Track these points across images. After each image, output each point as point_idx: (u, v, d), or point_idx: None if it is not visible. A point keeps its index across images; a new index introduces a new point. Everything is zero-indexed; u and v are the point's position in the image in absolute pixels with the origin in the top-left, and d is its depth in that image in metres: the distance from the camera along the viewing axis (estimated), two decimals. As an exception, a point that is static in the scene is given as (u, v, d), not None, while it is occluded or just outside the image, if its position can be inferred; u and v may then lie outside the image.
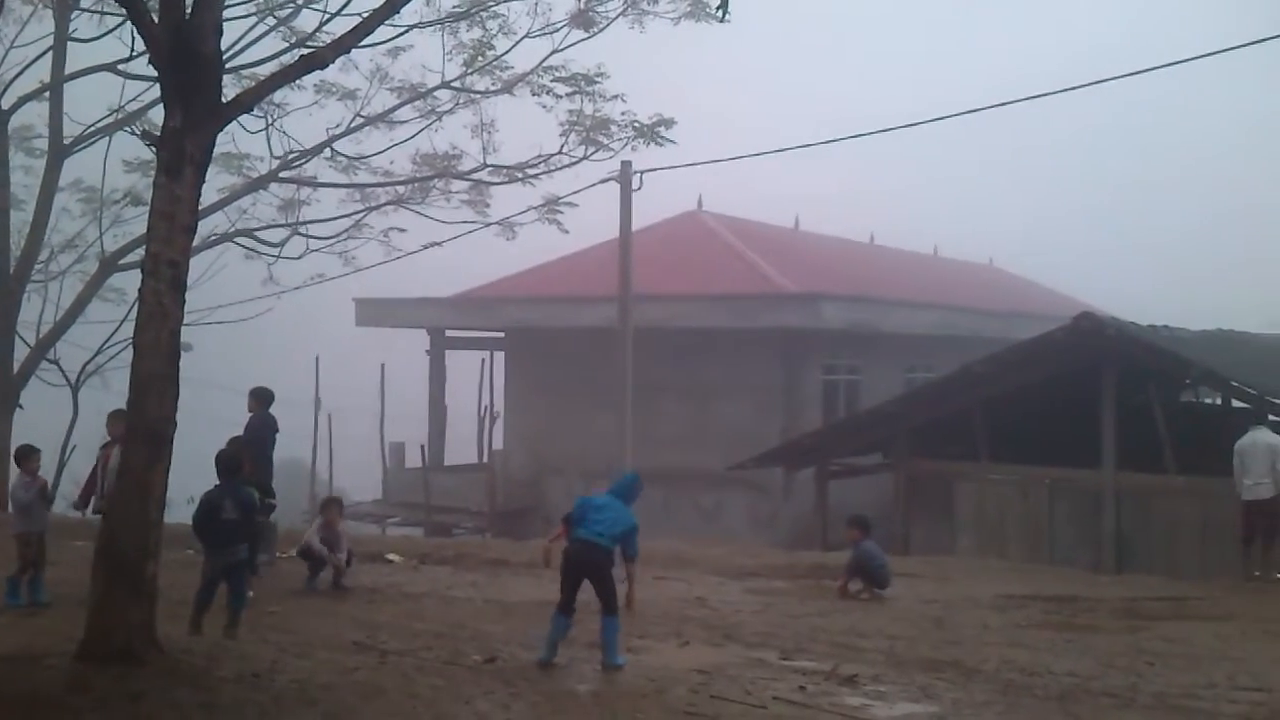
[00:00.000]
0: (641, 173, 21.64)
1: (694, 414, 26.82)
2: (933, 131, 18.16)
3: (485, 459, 30.60)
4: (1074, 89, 16.28)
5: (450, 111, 20.93)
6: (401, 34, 18.81)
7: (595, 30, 19.62)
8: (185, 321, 7.93)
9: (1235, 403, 21.32)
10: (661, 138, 20.50)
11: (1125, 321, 19.59)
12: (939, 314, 29.65)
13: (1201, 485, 17.46)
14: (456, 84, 20.52)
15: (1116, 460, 18.52)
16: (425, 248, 22.29)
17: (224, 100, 8.15)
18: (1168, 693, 8.81)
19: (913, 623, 11.80)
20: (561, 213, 21.90)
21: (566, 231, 22.50)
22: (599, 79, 19.79)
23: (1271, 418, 16.75)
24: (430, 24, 19.42)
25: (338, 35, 9.48)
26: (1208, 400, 24.20)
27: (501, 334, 31.03)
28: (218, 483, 9.48)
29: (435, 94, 20.76)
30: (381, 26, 9.18)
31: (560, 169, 20.93)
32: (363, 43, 9.11)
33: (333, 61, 8.64)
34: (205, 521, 9.35)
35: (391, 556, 15.42)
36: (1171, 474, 18.08)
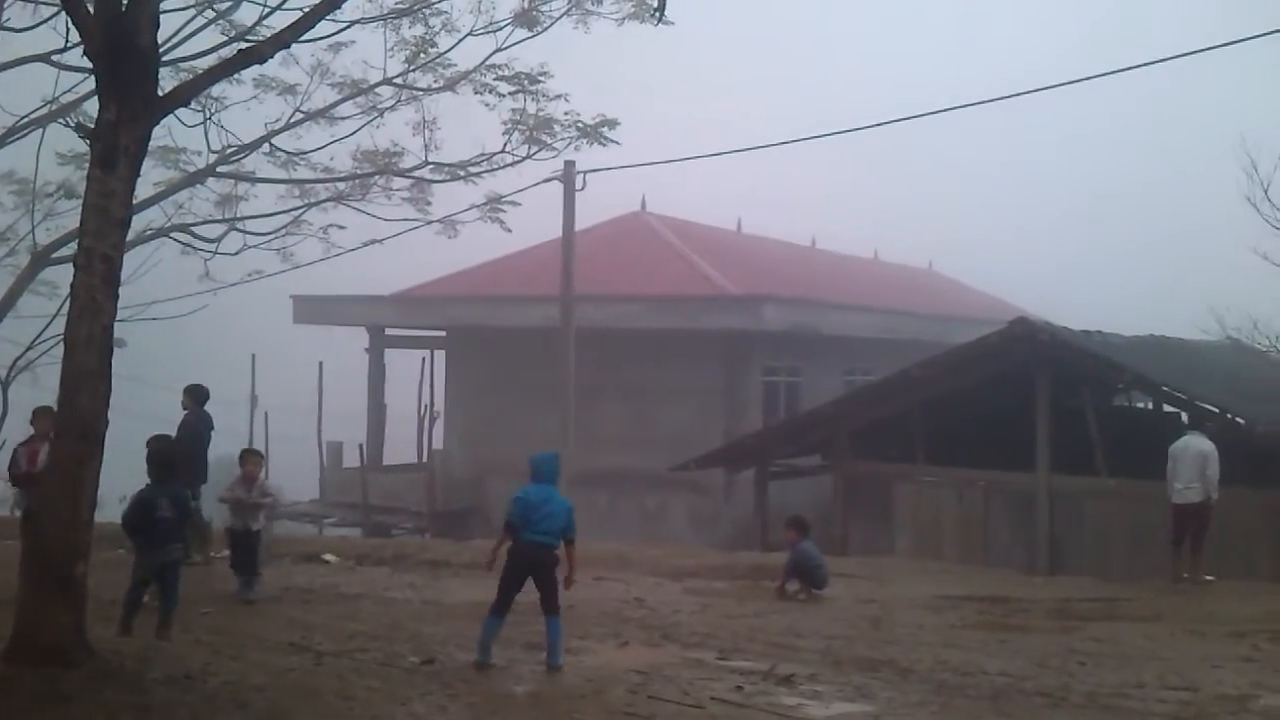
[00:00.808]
0: (585, 173, 21.68)
1: (636, 415, 26.85)
2: (876, 135, 18.34)
3: (425, 459, 30.38)
4: (1007, 97, 16.50)
5: (392, 108, 20.70)
6: (343, 29, 18.58)
7: (539, 30, 19.54)
8: (119, 317, 7.80)
9: (1166, 407, 21.75)
10: (605, 138, 20.44)
11: (1059, 326, 19.91)
12: (879, 317, 29.94)
13: (1132, 488, 17.76)
14: (398, 81, 20.34)
15: (1050, 463, 18.80)
16: (365, 245, 22.06)
17: (160, 93, 8.03)
18: (1099, 692, 8.95)
19: (850, 623, 11.90)
20: (504, 211, 21.75)
21: (509, 230, 22.35)
22: (542, 78, 19.71)
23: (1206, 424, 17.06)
24: (372, 20, 19.21)
25: (278, 30, 9.36)
26: (1139, 405, 24.64)
27: (443, 333, 30.86)
28: (150, 480, 9.33)
29: (377, 90, 20.54)
30: (322, 22, 9.08)
31: (503, 168, 20.78)
32: (303, 38, 9.02)
33: (271, 56, 8.55)
34: (139, 520, 9.19)
35: (328, 557, 15.28)
36: (1104, 477, 18.38)
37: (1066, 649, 10.76)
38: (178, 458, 9.83)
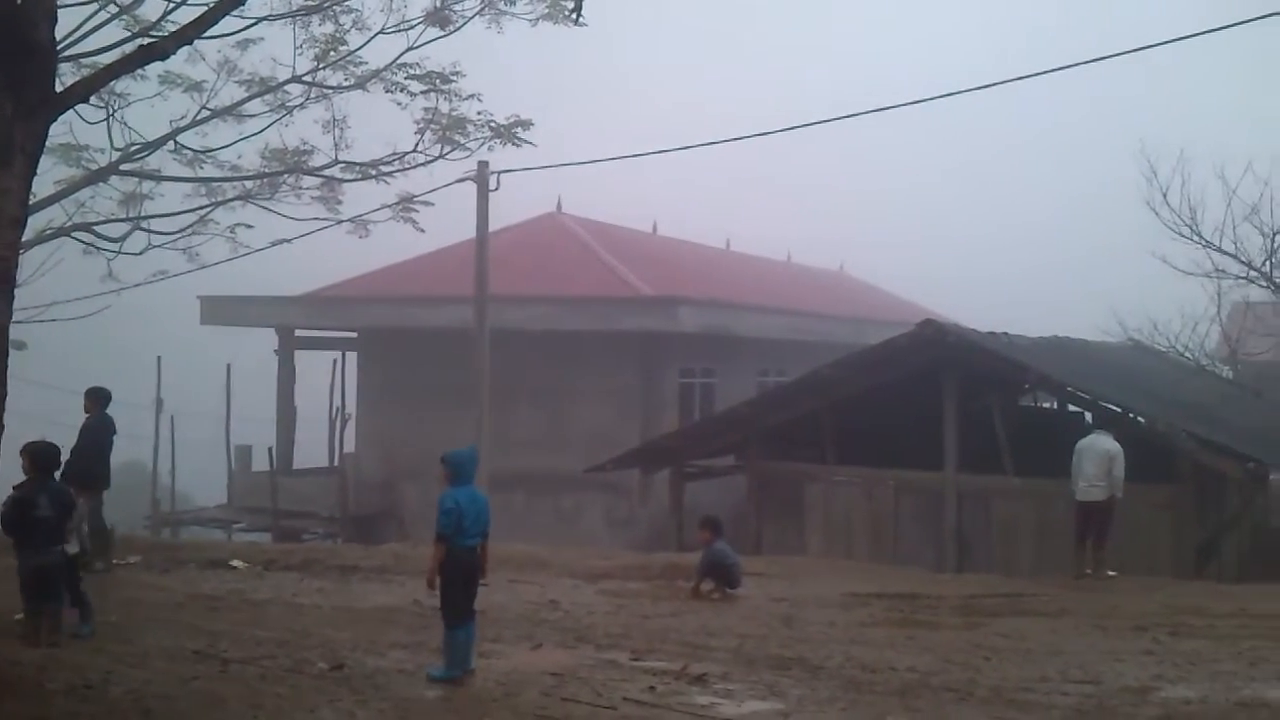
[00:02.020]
0: (498, 173, 21.57)
1: (552, 416, 26.80)
2: (792, 139, 18.49)
3: (336, 462, 30.01)
4: (920, 101, 16.75)
5: (301, 106, 20.47)
6: (250, 26, 18.36)
7: (451, 29, 19.44)
8: (15, 319, 7.60)
9: (1070, 407, 22.27)
10: (518, 138, 20.42)
11: (966, 328, 20.27)
12: (791, 319, 30.25)
13: (1038, 486, 18.13)
14: (308, 78, 20.11)
15: (958, 462, 19.12)
16: (274, 245, 21.78)
17: (59, 89, 7.84)
18: (1004, 686, 9.12)
19: (762, 621, 11.98)
20: (417, 211, 21.62)
21: (422, 231, 22.23)
22: (454, 77, 19.62)
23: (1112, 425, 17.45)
24: (280, 17, 18.98)
25: (182, 25, 9.19)
26: (1044, 405, 25.18)
27: (354, 334, 30.50)
28: (28, 477, 9.04)
29: (285, 88, 20.30)
30: (229, 18, 8.94)
31: (415, 167, 20.67)
32: (208, 34, 8.86)
33: (174, 52, 8.39)
34: (16, 519, 8.88)
35: (235, 563, 15.02)
36: (1010, 476, 18.74)
37: (973, 644, 10.94)
38: (56, 456, 9.43)
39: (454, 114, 20.08)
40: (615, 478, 24.23)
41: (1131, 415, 18.59)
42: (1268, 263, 22.27)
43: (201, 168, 20.63)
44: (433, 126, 20.12)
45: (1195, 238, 22.49)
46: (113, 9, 18.40)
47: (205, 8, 8.70)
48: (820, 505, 20.37)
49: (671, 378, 27.57)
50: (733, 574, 13.77)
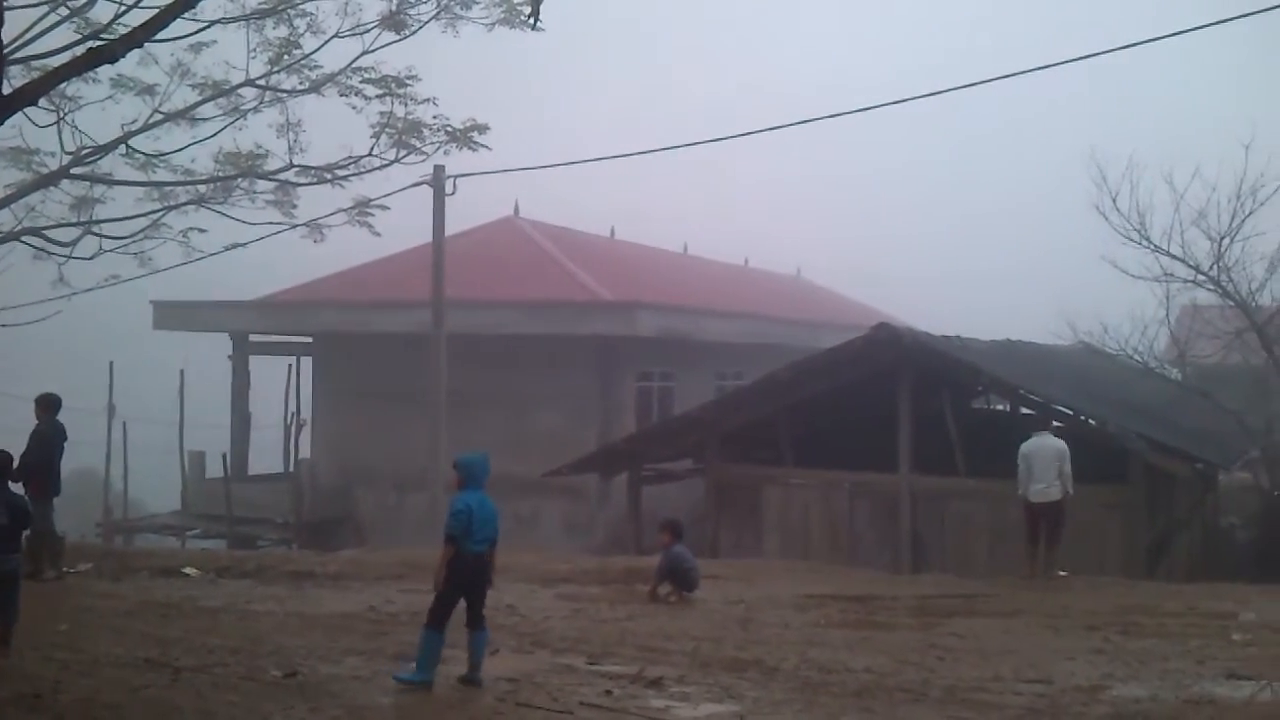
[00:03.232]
0: (454, 177, 21.51)
1: (510, 421, 26.70)
2: (749, 144, 18.58)
3: (291, 468, 29.75)
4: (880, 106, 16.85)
5: (255, 110, 20.31)
6: (203, 29, 18.18)
7: (407, 33, 19.37)
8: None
9: (1022, 409, 22.50)
10: (475, 143, 20.36)
11: (920, 331, 20.43)
12: (749, 323, 30.36)
13: (991, 488, 18.29)
14: (261, 82, 19.96)
15: (913, 464, 19.26)
16: (228, 249, 21.56)
17: (8, 91, 7.74)
18: (958, 686, 9.21)
19: (718, 624, 12.03)
20: (373, 215, 21.49)
21: (378, 235, 22.09)
22: (410, 81, 19.54)
23: (1055, 423, 17.65)
24: (234, 20, 18.84)
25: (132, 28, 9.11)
26: (997, 407, 25.43)
27: (309, 339, 30.26)
28: None
29: (239, 91, 20.14)
30: (182, 21, 8.87)
31: (371, 171, 20.55)
32: (160, 37, 8.79)
33: (124, 55, 8.30)
34: None
35: (188, 570, 14.88)
36: (964, 477, 18.90)
37: (927, 645, 11.05)
38: (9, 463, 9.28)
39: (410, 118, 19.99)
40: (574, 482, 24.20)
41: (1083, 417, 18.80)
42: (1215, 267, 22.57)
43: (154, 172, 20.42)
44: (388, 130, 20.02)
45: (1144, 242, 22.76)
46: (64, 11, 18.21)
47: (157, 10, 8.63)
48: (777, 508, 20.45)
49: (629, 382, 27.59)
50: (690, 577, 13.81)
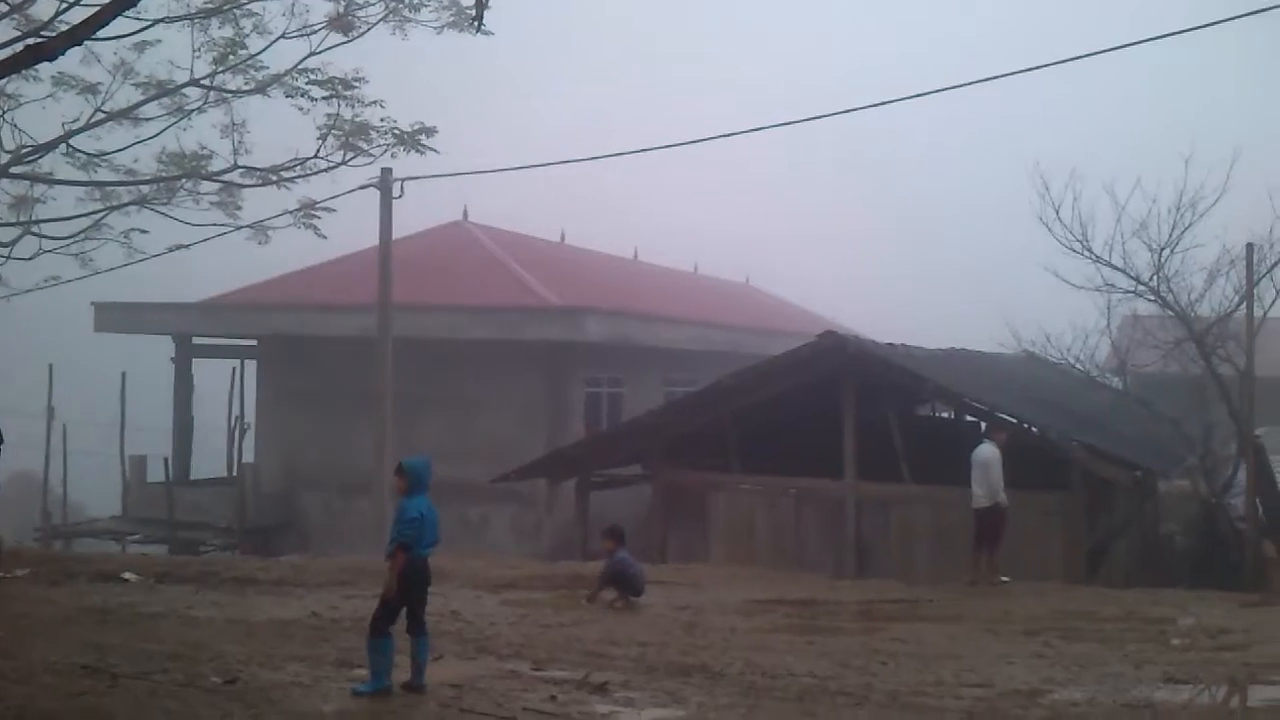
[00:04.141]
0: (402, 180, 21.40)
1: (457, 426, 26.57)
2: (701, 150, 18.67)
3: (235, 473, 29.42)
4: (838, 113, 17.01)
5: (200, 110, 20.12)
6: (147, 28, 18.04)
7: (354, 35, 19.27)
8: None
9: (967, 417, 22.72)
10: (423, 145, 20.28)
11: (866, 339, 20.57)
12: (698, 329, 30.43)
13: (934, 494, 18.48)
14: (206, 82, 19.76)
15: (858, 470, 19.39)
16: (171, 250, 21.33)
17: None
18: (900, 690, 9.29)
19: (664, 629, 12.04)
20: (319, 218, 21.33)
21: (324, 237, 21.94)
22: (357, 83, 19.43)
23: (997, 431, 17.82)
24: (178, 19, 18.66)
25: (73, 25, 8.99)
26: (941, 414, 25.63)
27: (254, 342, 29.94)
28: None
29: (183, 91, 19.93)
30: (124, 19, 8.77)
31: (317, 173, 20.42)
32: (102, 35, 8.67)
33: (63, 52, 8.20)
34: None
35: (127, 575, 14.66)
36: (908, 483, 19.06)
37: (870, 649, 11.13)
38: None
39: (357, 120, 19.89)
40: (522, 487, 24.13)
41: (1025, 425, 19.02)
42: (1155, 277, 22.88)
43: (96, 171, 20.19)
44: (335, 132, 19.90)
45: (1086, 253, 23.03)
46: (2, 8, 17.93)
47: (98, 8, 8.52)
48: (724, 513, 20.50)
49: (578, 387, 27.56)
50: (635, 583, 13.82)
